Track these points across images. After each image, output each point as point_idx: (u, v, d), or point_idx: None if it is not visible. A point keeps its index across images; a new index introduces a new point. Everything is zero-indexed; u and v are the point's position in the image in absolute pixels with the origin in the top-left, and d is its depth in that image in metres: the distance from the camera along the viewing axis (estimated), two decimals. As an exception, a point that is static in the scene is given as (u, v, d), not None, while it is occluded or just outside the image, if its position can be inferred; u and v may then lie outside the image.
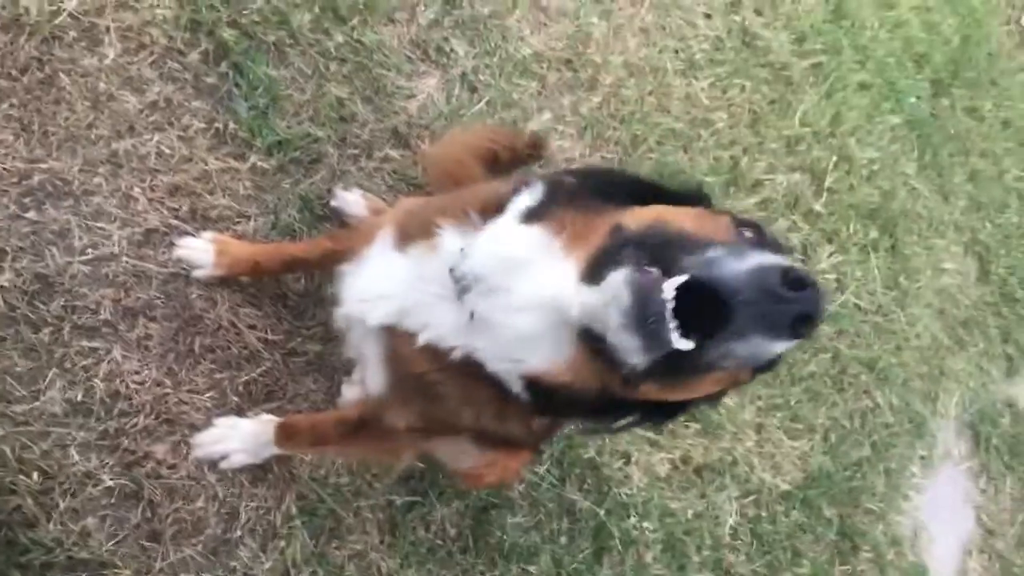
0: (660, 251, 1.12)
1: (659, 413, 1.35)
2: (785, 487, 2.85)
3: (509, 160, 2.05)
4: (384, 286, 1.47)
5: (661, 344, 1.06)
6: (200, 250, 2.02)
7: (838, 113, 3.40)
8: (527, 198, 1.35)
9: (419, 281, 1.41)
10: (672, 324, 1.05)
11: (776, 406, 2.91)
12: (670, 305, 1.05)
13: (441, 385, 1.43)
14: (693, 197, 1.37)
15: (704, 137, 3.00)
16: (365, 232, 1.64)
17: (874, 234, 3.37)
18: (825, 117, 3.36)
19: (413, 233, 1.48)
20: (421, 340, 1.39)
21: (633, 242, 1.16)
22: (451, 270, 1.33)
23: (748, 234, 1.19)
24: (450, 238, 1.40)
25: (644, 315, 1.06)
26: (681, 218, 1.21)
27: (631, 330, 1.08)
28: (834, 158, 3.31)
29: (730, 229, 1.19)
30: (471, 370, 1.35)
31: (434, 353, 1.39)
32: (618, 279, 1.10)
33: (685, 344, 1.06)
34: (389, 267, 1.49)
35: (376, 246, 1.55)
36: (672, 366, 1.11)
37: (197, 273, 2.02)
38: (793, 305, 1.01)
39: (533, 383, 1.29)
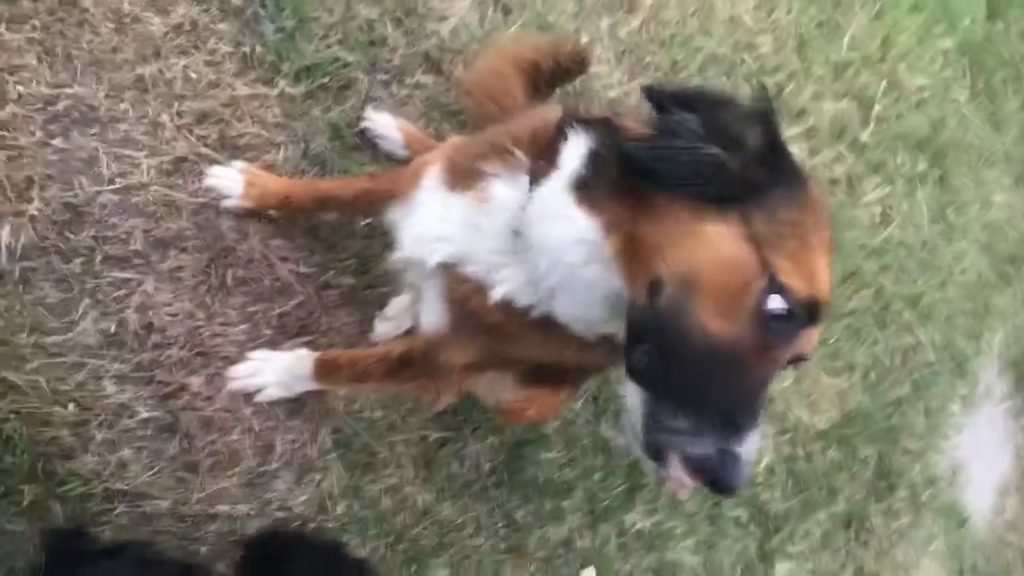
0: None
1: None
2: (822, 425, 2.81)
3: (551, 73, 1.94)
4: (441, 228, 1.43)
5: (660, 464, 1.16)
6: (229, 180, 1.96)
7: (888, 36, 3.23)
8: (573, 154, 1.27)
9: (477, 231, 1.37)
10: (674, 467, 1.14)
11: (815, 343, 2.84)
12: (675, 463, 1.14)
13: (518, 335, 1.41)
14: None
15: (748, 62, 2.86)
16: (412, 172, 1.58)
17: (922, 165, 3.23)
18: (875, 41, 3.19)
19: (462, 175, 1.43)
20: (495, 296, 1.36)
21: None
22: (514, 232, 1.30)
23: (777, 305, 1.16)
24: (501, 188, 1.35)
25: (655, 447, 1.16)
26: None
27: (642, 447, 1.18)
28: (883, 84, 3.16)
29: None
30: (552, 325, 1.34)
31: (509, 306, 1.36)
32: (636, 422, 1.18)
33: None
34: (444, 208, 1.44)
35: (426, 186, 1.49)
36: None
37: (226, 203, 1.96)
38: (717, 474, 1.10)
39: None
